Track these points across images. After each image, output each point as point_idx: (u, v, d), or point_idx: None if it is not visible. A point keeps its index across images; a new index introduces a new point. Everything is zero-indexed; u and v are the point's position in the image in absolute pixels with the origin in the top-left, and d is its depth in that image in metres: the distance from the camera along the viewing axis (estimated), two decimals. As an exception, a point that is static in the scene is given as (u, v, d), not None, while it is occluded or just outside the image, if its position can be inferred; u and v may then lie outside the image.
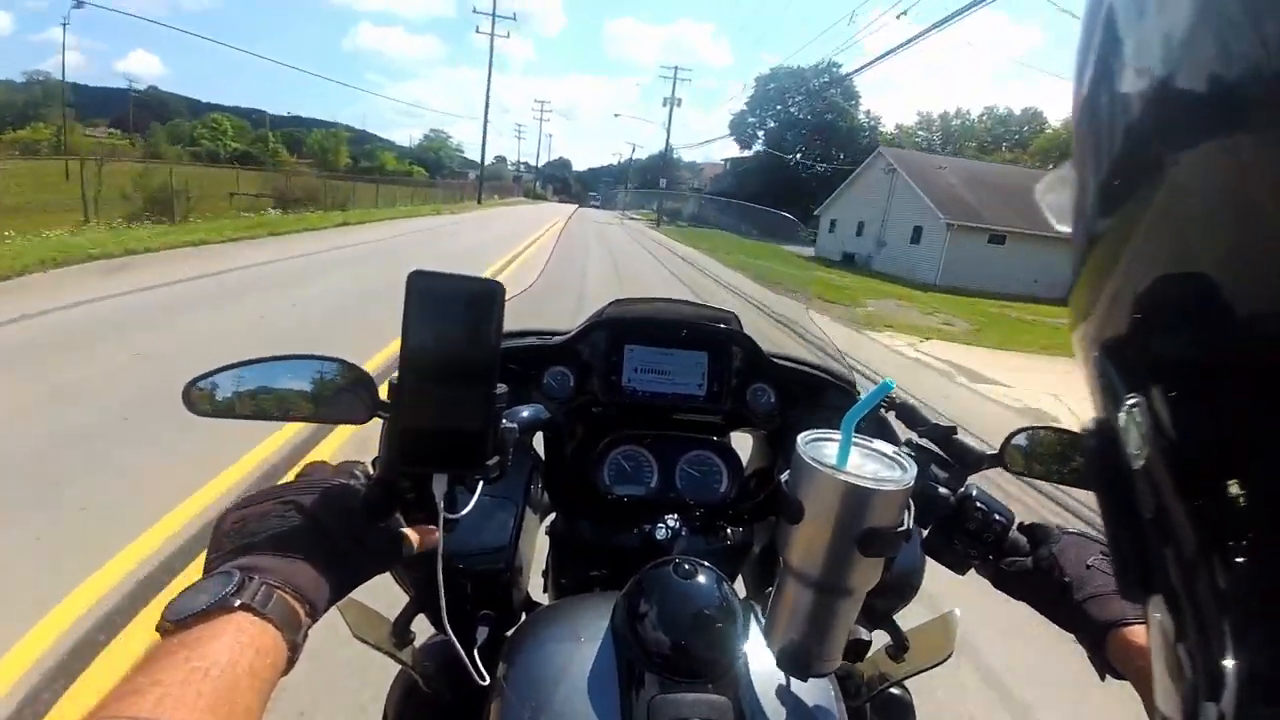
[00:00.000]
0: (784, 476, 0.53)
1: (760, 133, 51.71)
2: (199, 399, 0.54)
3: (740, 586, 0.95)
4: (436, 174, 50.44)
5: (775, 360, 1.00)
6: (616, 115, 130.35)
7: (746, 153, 52.71)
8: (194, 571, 2.63)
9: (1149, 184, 0.16)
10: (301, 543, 0.45)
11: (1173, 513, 0.17)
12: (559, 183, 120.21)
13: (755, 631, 0.60)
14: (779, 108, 49.71)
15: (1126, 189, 0.17)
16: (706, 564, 0.63)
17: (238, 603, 0.38)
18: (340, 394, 0.56)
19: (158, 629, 0.38)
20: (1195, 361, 0.16)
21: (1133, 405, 0.18)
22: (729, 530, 0.90)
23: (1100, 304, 0.19)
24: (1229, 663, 0.15)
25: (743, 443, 1.03)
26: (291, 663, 0.41)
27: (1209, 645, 0.16)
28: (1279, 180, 0.13)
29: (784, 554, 0.53)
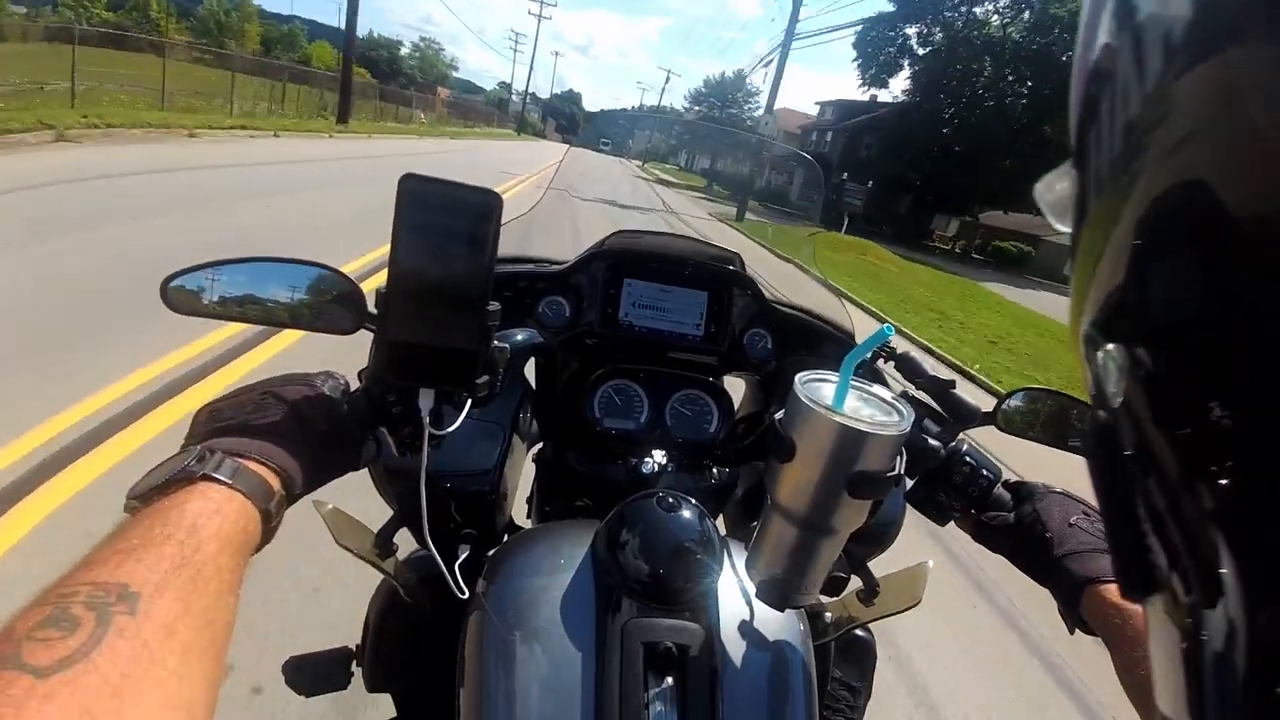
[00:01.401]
0: (778, 415, 0.52)
1: (905, 62, 26.12)
2: (178, 295, 0.52)
3: (720, 526, 0.96)
4: (392, 82, 35.60)
5: (777, 306, 0.98)
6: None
7: (876, 91, 28.74)
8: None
9: (1142, 172, 0.17)
10: (276, 425, 0.44)
11: (1156, 447, 0.17)
12: (565, 118, 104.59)
13: (732, 568, 0.61)
14: (958, 11, 24.47)
15: (1124, 180, 0.18)
16: (689, 499, 0.63)
17: (200, 473, 0.38)
18: (327, 303, 0.55)
19: (125, 509, 0.37)
20: (1176, 301, 0.16)
21: (1109, 350, 0.18)
22: (715, 470, 0.91)
23: (1093, 288, 0.19)
24: (1227, 569, 0.15)
25: (735, 386, 1.03)
26: (269, 533, 0.41)
27: (1203, 561, 0.16)
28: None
29: (772, 491, 0.53)
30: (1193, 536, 0.16)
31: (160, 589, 0.30)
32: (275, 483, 0.42)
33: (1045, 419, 0.68)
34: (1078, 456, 0.68)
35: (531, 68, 69.49)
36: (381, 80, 33.03)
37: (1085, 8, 0.20)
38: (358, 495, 0.72)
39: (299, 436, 0.45)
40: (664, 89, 68.58)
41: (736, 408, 0.99)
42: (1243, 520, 0.15)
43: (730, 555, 0.62)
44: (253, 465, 0.41)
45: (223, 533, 0.36)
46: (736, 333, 0.95)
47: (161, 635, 0.29)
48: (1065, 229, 0.21)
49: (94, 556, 0.32)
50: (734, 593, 0.60)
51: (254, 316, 0.55)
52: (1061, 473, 0.63)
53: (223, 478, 0.38)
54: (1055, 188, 0.22)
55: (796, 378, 0.51)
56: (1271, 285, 0.13)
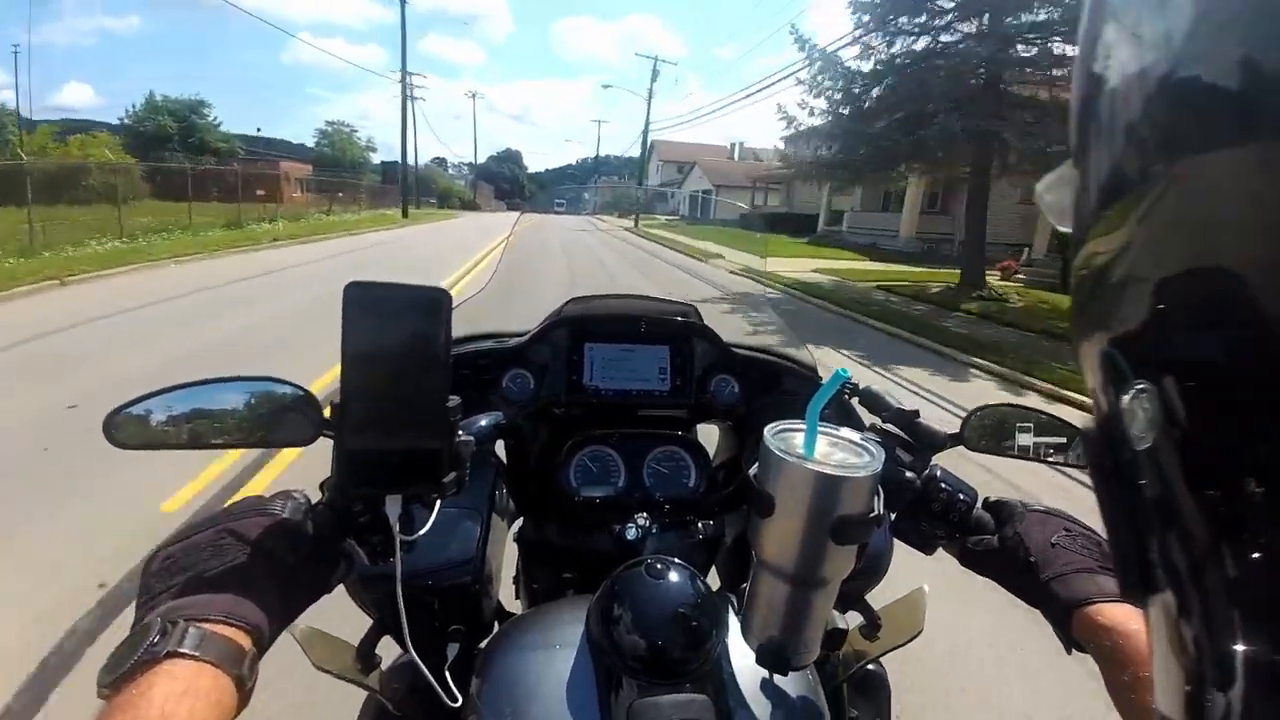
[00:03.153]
0: (753, 470, 0.52)
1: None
2: (123, 430, 0.50)
3: (714, 578, 0.94)
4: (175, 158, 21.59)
5: (737, 350, 1.00)
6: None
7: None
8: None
9: (1160, 180, 0.16)
10: (238, 571, 0.43)
11: (1180, 499, 0.17)
12: (507, 181, 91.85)
13: (732, 624, 0.60)
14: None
15: (1138, 183, 0.17)
16: (678, 562, 0.62)
17: (164, 651, 0.36)
18: (282, 415, 0.53)
19: (98, 695, 0.36)
20: (1217, 359, 0.16)
21: (1141, 391, 0.17)
22: (700, 524, 0.90)
23: (1108, 296, 0.19)
24: (1239, 649, 0.15)
25: (709, 434, 1.03)
26: (245, 696, 0.39)
27: (1216, 633, 0.15)
28: None
29: (757, 548, 0.53)
30: (1209, 607, 0.16)
31: None
32: (246, 641, 0.39)
33: (1007, 432, 0.70)
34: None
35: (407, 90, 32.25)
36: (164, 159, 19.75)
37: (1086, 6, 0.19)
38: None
39: (265, 580, 0.43)
40: (651, 88, 38.22)
41: (712, 456, 0.99)
42: (1263, 601, 0.15)
43: (728, 613, 0.61)
44: (219, 629, 0.39)
45: (196, 715, 0.34)
46: (702, 382, 0.96)
47: None
48: (1065, 229, 0.21)
49: None
50: (737, 654, 0.59)
51: (209, 440, 0.53)
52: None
53: (189, 650, 0.36)
54: (1055, 190, 0.22)
55: (766, 430, 0.52)
56: None
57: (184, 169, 17.32)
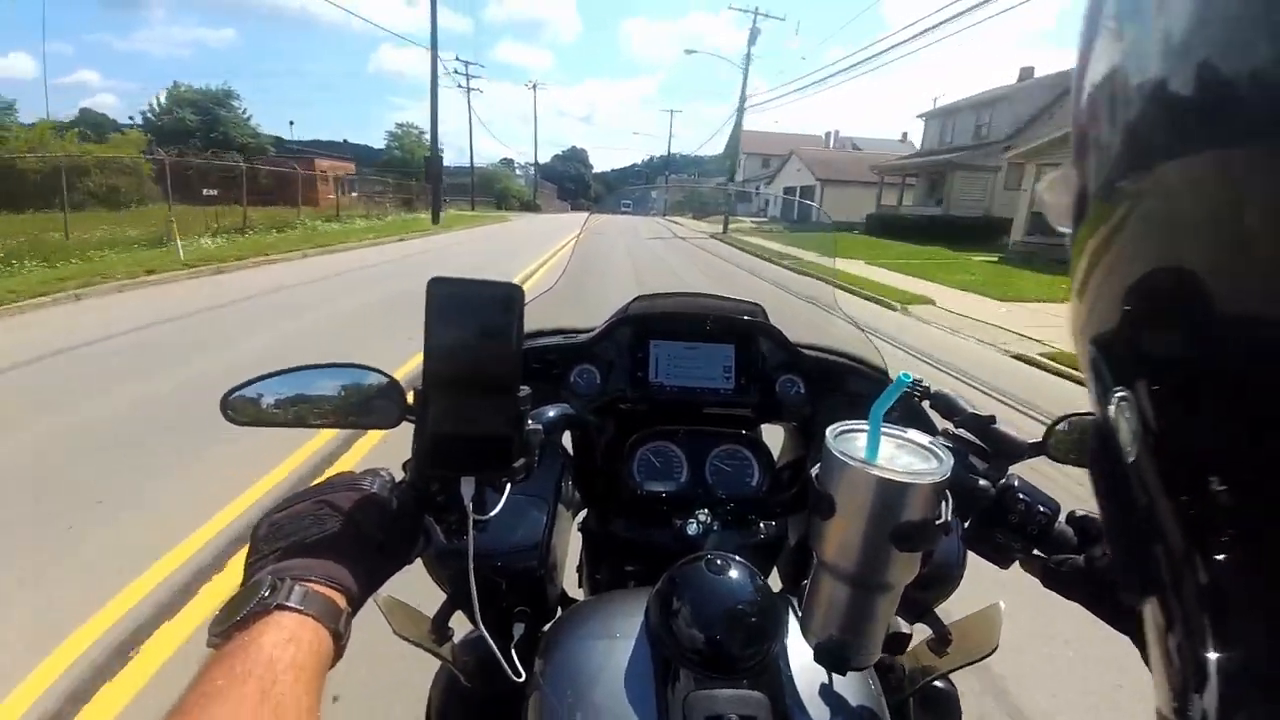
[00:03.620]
0: (814, 470, 0.52)
1: None
2: (236, 409, 0.56)
3: (775, 580, 0.94)
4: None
5: (804, 350, 0.98)
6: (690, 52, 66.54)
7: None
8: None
9: (1144, 182, 0.17)
10: (335, 538, 0.47)
11: (1159, 507, 0.17)
12: (571, 181, 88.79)
13: (791, 626, 0.60)
14: None
15: (1122, 186, 0.17)
16: (739, 559, 0.62)
17: (274, 604, 0.40)
18: (371, 401, 0.58)
19: (208, 644, 0.40)
20: (1181, 360, 0.16)
21: (1121, 398, 0.18)
22: (762, 524, 0.89)
23: (1093, 297, 0.19)
24: (1211, 656, 0.15)
25: (773, 435, 1.02)
26: (340, 650, 0.43)
27: (1194, 639, 0.16)
28: (1271, 186, 0.13)
29: (817, 549, 0.52)
30: (1185, 613, 0.16)
31: None
32: (342, 601, 0.44)
33: None
34: None
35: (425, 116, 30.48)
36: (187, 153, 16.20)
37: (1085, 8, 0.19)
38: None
39: (356, 549, 0.48)
40: (749, 52, 29.27)
41: (776, 457, 0.98)
42: (1232, 607, 0.15)
43: (793, 612, 0.61)
44: (320, 588, 0.43)
45: (298, 661, 0.38)
46: (767, 382, 0.95)
47: None
48: (1065, 230, 0.21)
49: (184, 702, 0.34)
50: (796, 655, 0.58)
51: (308, 420, 0.59)
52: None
53: (294, 605, 0.40)
54: (1056, 190, 0.22)
55: (828, 431, 0.51)
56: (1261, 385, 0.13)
57: (53, 159, 12.29)
